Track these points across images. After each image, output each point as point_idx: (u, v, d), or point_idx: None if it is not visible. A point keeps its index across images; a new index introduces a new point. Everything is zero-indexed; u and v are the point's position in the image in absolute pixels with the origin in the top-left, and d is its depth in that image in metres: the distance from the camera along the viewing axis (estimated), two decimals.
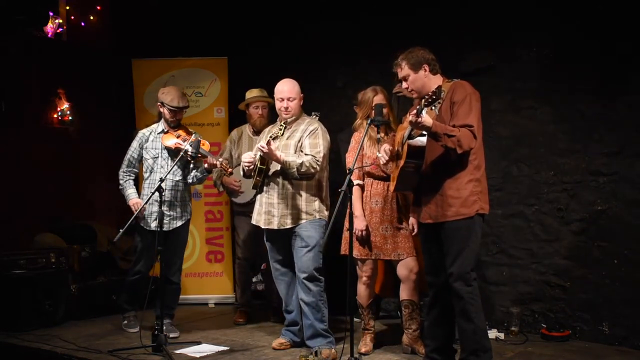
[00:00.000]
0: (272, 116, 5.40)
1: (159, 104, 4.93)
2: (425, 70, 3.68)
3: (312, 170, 4.26)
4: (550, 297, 4.92)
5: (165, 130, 4.94)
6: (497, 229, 5.12)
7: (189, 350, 4.48)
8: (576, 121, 4.83)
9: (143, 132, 5.00)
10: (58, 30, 6.44)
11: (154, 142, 4.94)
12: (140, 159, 4.97)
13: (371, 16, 5.85)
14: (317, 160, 4.27)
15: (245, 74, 6.22)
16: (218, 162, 4.68)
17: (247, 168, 4.37)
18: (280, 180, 4.36)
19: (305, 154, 4.30)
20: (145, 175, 4.96)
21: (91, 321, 5.40)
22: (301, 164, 4.21)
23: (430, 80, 3.69)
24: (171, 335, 4.82)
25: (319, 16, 6.19)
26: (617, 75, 4.65)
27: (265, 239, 4.55)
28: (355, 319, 5.00)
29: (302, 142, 4.37)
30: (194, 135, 4.78)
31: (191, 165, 4.91)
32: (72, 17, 6.58)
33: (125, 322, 5.13)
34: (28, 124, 6.11)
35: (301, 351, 4.32)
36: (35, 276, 5.22)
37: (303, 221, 4.34)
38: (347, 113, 5.48)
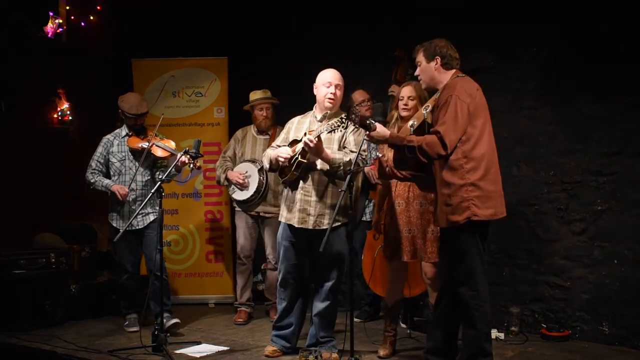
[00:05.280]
0: (276, 117, 5.42)
1: (119, 111, 5.14)
2: (437, 63, 3.65)
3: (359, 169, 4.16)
4: (550, 297, 4.92)
5: (130, 134, 5.15)
6: (497, 229, 5.11)
7: (189, 350, 4.48)
8: (576, 121, 4.83)
9: (107, 138, 5.20)
10: (58, 30, 6.44)
11: (119, 146, 5.15)
12: (106, 163, 5.15)
13: (372, 19, 5.85)
14: (364, 159, 4.14)
15: (245, 74, 6.23)
16: (186, 159, 4.65)
17: (282, 161, 4.15)
18: (320, 177, 4.14)
19: (351, 151, 4.11)
20: (114, 178, 5.12)
21: (91, 321, 5.40)
22: (349, 162, 3.99)
23: (440, 75, 3.67)
24: (172, 321, 4.93)
25: (320, 17, 6.20)
26: (617, 75, 4.65)
27: (286, 239, 4.28)
28: (355, 319, 5.01)
29: (346, 138, 4.19)
30: (155, 134, 5.02)
31: (182, 168, 4.96)
32: (72, 17, 6.59)
33: (127, 322, 5.16)
34: (28, 124, 6.11)
35: (302, 351, 4.30)
36: (35, 276, 5.22)
37: (338, 224, 4.11)
38: None
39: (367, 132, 3.60)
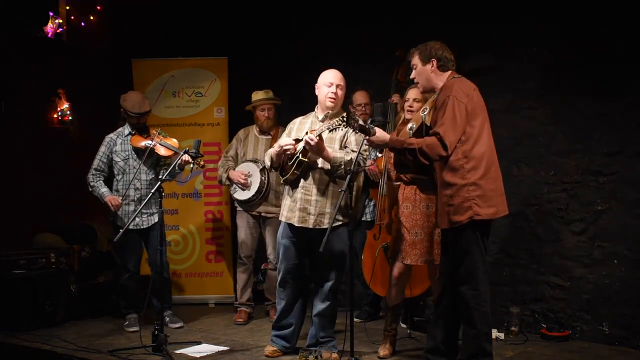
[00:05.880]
0: (278, 117, 5.43)
1: (122, 110, 5.14)
2: (433, 66, 3.66)
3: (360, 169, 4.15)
4: (550, 297, 4.92)
5: (133, 132, 5.15)
6: (498, 229, 5.12)
7: (189, 350, 4.48)
8: (576, 121, 4.83)
9: (110, 137, 5.20)
10: (58, 30, 6.44)
11: (122, 145, 5.15)
12: (109, 163, 5.15)
13: (372, 19, 5.85)
14: (365, 159, 4.15)
15: (245, 74, 6.23)
16: (188, 158, 4.67)
17: (288, 149, 4.12)
18: (321, 176, 4.13)
19: (352, 151, 4.10)
20: (118, 177, 5.15)
21: (91, 321, 5.40)
22: (350, 161, 3.99)
23: (436, 77, 3.68)
24: (176, 325, 5.03)
25: (320, 17, 6.20)
26: (617, 76, 4.65)
27: (286, 238, 4.26)
28: (355, 319, 5.00)
29: (348, 138, 4.18)
30: (158, 133, 5.05)
31: (193, 166, 4.96)
32: (72, 17, 6.59)
33: (127, 322, 5.16)
34: (28, 124, 6.11)
35: (302, 351, 4.30)
36: (35, 276, 5.22)
37: (338, 223, 4.11)
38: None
39: (367, 137, 3.61)
